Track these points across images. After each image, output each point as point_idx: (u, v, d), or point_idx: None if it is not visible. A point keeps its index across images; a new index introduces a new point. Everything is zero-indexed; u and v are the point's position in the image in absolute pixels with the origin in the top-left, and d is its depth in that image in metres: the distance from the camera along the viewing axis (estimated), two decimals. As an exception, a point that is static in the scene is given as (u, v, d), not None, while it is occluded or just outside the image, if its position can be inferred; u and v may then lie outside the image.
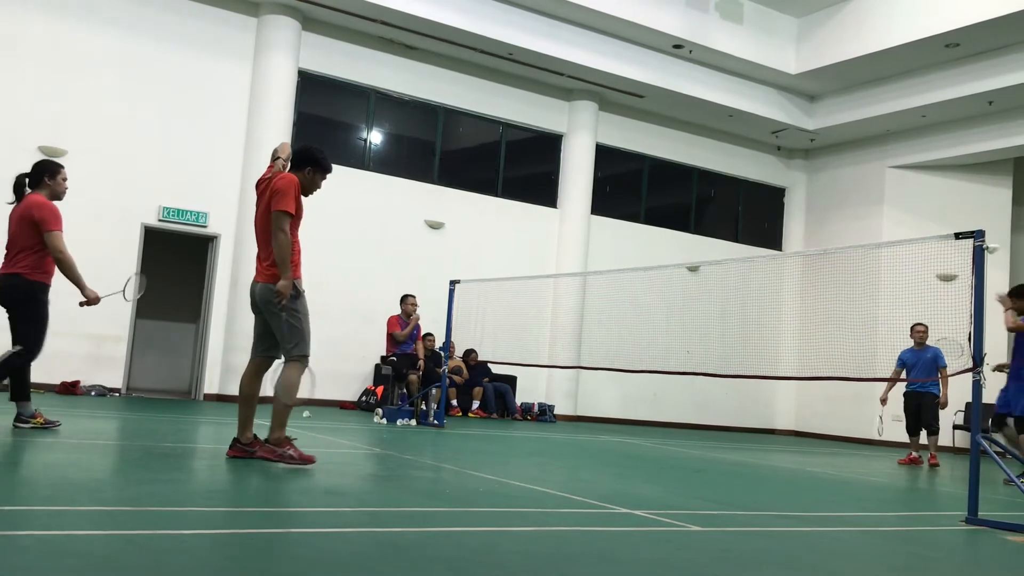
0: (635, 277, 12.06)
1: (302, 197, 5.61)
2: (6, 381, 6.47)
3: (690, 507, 5.14)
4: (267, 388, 5.60)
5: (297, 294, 5.46)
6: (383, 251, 13.96)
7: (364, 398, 13.19)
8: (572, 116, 15.91)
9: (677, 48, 15.16)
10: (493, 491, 5.13)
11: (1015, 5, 12.73)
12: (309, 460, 5.38)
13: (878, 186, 17.18)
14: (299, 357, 5.43)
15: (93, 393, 11.43)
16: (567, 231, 15.76)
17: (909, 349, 10.89)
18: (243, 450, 5.55)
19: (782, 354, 13.95)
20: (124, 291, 7.73)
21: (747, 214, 18.51)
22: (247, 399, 5.60)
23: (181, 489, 4.42)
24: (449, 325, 11.05)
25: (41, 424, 6.43)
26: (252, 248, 13.87)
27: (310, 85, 13.72)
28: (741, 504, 5.63)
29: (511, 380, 14.64)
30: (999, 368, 9.22)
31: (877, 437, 16.26)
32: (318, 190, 5.83)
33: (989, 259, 5.44)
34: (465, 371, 13.90)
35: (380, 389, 12.74)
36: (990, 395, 11.74)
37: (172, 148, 12.55)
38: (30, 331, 6.47)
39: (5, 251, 6.65)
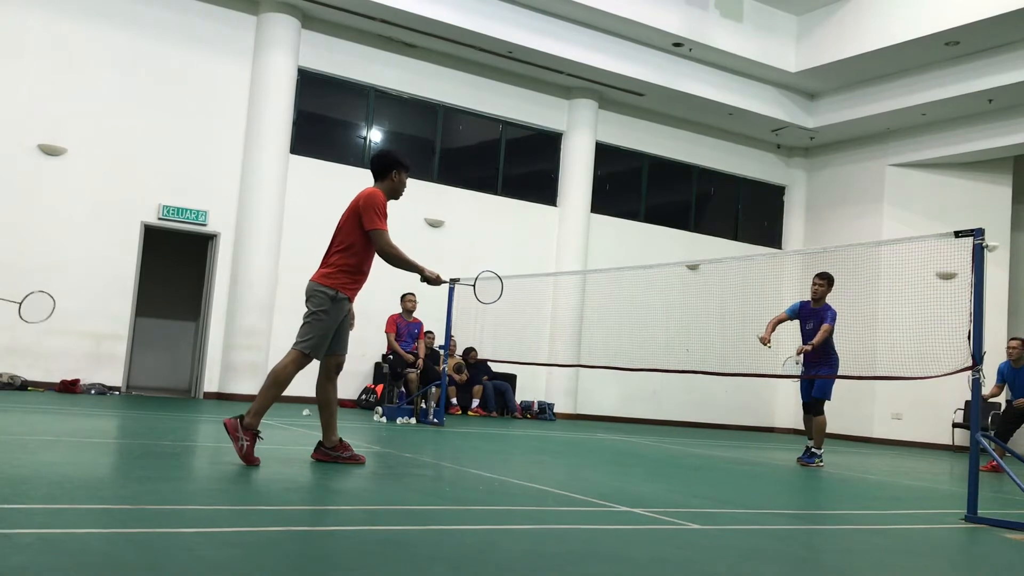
0: (635, 275, 12.06)
1: (391, 201, 5.70)
2: None
3: (690, 505, 5.14)
4: (341, 391, 5.55)
5: (332, 300, 5.46)
6: (383, 249, 13.94)
7: (364, 396, 13.19)
8: (572, 114, 15.90)
9: (677, 46, 15.16)
10: (493, 489, 5.13)
11: (1014, 3, 12.73)
12: (252, 462, 5.19)
13: (878, 184, 17.18)
14: (300, 350, 5.43)
15: (93, 391, 11.43)
16: (567, 229, 15.76)
17: (1006, 363, 11.01)
18: (326, 454, 5.63)
19: (781, 352, 13.93)
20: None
21: (747, 212, 18.51)
22: (323, 405, 5.67)
23: (181, 487, 4.42)
24: (449, 323, 11.06)
25: None
26: (251, 246, 13.97)
27: (310, 83, 13.71)
28: (740, 502, 5.63)
29: (511, 378, 14.65)
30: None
31: (876, 435, 16.29)
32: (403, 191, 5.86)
33: (989, 257, 5.44)
34: (465, 369, 13.90)
35: (380, 387, 12.74)
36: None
37: (172, 146, 12.55)
38: None
39: None
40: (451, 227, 14.60)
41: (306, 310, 5.55)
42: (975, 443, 5.27)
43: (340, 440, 5.69)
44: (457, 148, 15.55)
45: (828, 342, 8.88)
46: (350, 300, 5.59)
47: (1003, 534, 4.80)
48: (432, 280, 5.86)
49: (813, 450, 8.95)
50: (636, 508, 4.68)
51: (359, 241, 5.54)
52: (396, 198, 5.81)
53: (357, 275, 5.61)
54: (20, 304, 9.79)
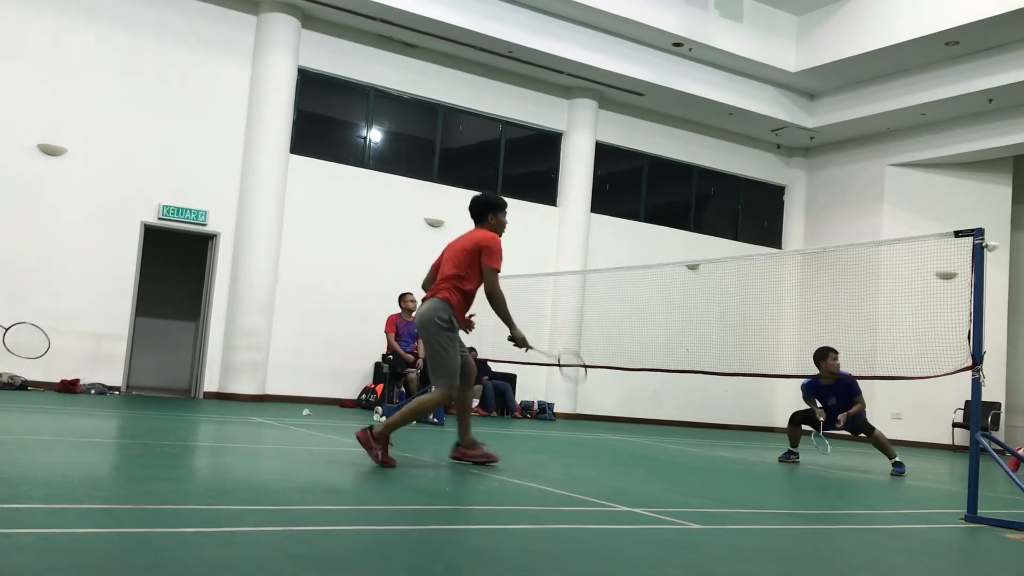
0: (635, 275, 12.06)
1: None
2: None
3: (690, 505, 5.14)
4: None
5: (449, 327, 5.82)
6: (383, 249, 13.96)
7: (364, 396, 13.19)
8: (572, 114, 15.90)
9: (677, 46, 15.16)
10: (493, 489, 5.13)
11: (1014, 3, 12.73)
12: (389, 463, 5.53)
13: (878, 184, 17.18)
14: (442, 385, 5.77)
15: (93, 391, 11.43)
16: (567, 229, 15.77)
17: None
18: (463, 453, 6.13)
19: (782, 352, 13.95)
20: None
21: (747, 212, 18.51)
22: (458, 410, 6.17)
23: (181, 487, 4.42)
24: (449, 323, 11.03)
25: None
26: (251, 246, 13.94)
27: (310, 83, 13.71)
28: (740, 502, 5.63)
29: (511, 378, 14.65)
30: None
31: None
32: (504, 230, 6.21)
33: (989, 257, 5.44)
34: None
35: (380, 387, 12.74)
36: (989, 393, 11.74)
37: (172, 146, 12.55)
38: None
39: None
40: (451, 227, 14.57)
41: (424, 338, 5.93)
42: (975, 443, 5.26)
43: (474, 440, 6.12)
44: (457, 148, 15.55)
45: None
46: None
47: (1003, 534, 4.80)
48: (519, 342, 6.26)
49: (897, 460, 8.86)
50: (636, 508, 4.68)
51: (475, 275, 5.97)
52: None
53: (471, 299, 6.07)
54: (5, 331, 9.75)
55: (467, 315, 6.13)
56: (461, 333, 6.04)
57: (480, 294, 6.05)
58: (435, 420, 10.52)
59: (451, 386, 5.75)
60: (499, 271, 5.88)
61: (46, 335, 9.88)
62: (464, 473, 5.81)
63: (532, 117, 15.67)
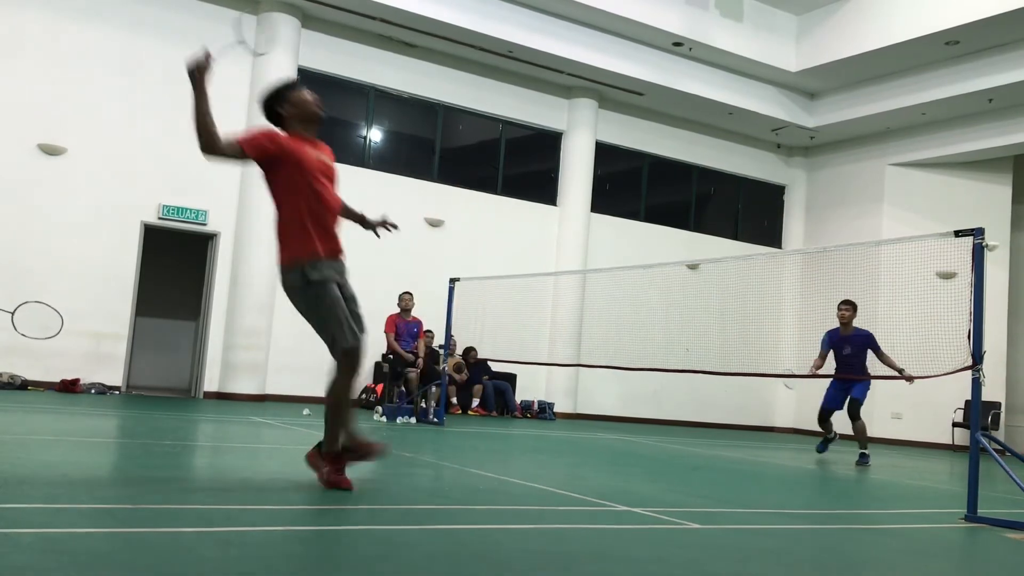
0: (635, 275, 12.05)
1: (313, 125, 4.93)
2: None
3: (689, 504, 5.14)
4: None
5: (306, 282, 4.54)
6: (382, 249, 13.82)
7: (364, 396, 13.18)
8: (572, 114, 15.90)
9: (677, 46, 15.16)
10: (493, 488, 5.13)
11: (1014, 3, 12.73)
12: (342, 484, 4.38)
13: (878, 184, 17.18)
14: (342, 353, 4.39)
15: (93, 391, 11.43)
16: (567, 229, 15.76)
17: None
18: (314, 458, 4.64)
19: (782, 352, 13.93)
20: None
21: (747, 212, 18.51)
22: (328, 403, 4.59)
23: (181, 487, 4.42)
24: (449, 323, 11.05)
25: None
26: (251, 246, 13.92)
27: (310, 82, 13.51)
28: (740, 502, 5.63)
29: (511, 378, 14.65)
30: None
31: (876, 435, 16.30)
32: (315, 106, 4.95)
33: (989, 257, 5.44)
34: (465, 369, 13.90)
35: (380, 387, 12.74)
36: (989, 393, 11.72)
37: (172, 146, 12.52)
38: None
39: None
40: (451, 227, 14.60)
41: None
42: (975, 443, 5.26)
43: (343, 447, 4.54)
44: (457, 148, 15.55)
45: (865, 361, 9.38)
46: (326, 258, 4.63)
47: (1003, 534, 4.80)
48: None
49: (865, 452, 9.50)
50: (636, 507, 4.68)
51: (277, 195, 4.72)
52: (314, 121, 4.95)
53: (310, 222, 4.69)
54: (13, 313, 9.78)
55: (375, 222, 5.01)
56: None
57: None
58: (435, 420, 10.52)
59: (347, 348, 4.35)
60: (243, 144, 4.67)
61: (59, 313, 9.91)
62: (464, 473, 5.81)
63: (532, 117, 15.66)
